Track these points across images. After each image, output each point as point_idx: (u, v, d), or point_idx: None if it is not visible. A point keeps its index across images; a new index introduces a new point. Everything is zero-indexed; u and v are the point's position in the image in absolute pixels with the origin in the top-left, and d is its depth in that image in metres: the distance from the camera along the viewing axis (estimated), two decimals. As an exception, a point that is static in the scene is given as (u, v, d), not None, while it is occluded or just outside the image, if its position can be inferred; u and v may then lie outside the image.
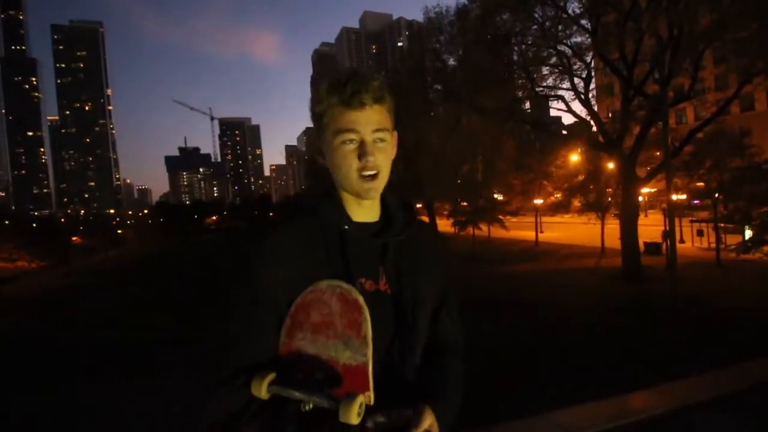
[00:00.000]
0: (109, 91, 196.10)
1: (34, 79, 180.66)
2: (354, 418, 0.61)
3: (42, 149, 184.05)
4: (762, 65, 11.76)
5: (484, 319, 9.11)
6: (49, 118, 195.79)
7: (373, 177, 0.80)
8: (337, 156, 0.79)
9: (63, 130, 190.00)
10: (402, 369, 0.81)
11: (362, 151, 0.78)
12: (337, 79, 0.79)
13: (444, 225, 27.27)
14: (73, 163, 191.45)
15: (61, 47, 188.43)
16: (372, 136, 0.79)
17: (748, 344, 5.98)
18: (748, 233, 13.61)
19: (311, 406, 0.66)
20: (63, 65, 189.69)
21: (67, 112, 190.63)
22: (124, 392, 7.07)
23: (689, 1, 11.19)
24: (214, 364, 0.76)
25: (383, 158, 0.81)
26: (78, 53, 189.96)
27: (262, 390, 0.67)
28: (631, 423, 2.53)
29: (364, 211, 0.85)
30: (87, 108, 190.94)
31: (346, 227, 0.81)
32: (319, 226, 0.81)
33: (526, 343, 8.19)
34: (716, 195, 15.30)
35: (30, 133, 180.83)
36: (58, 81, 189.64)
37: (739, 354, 3.94)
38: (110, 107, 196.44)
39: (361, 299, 0.72)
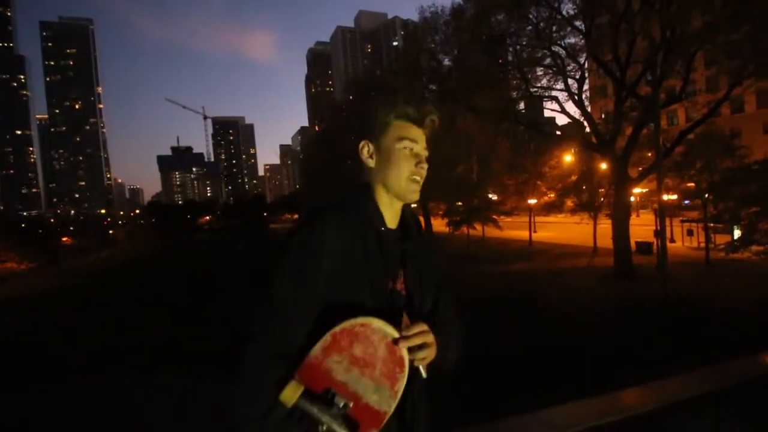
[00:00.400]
0: (99, 89, 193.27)
1: (22, 76, 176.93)
2: None
3: (31, 148, 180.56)
4: (752, 68, 11.91)
5: (479, 317, 9.16)
6: (38, 116, 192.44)
7: (419, 182, 0.95)
8: (396, 157, 0.94)
9: (52, 129, 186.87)
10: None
11: (418, 159, 0.95)
12: (411, 99, 0.96)
13: (439, 225, 27.33)
14: (62, 163, 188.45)
15: (50, 44, 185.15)
16: (424, 151, 0.97)
17: (736, 342, 6.09)
18: (737, 233, 13.81)
19: (325, 429, 0.70)
20: (52, 63, 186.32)
21: (57, 111, 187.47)
22: (117, 392, 7.01)
23: (681, 4, 11.30)
24: (253, 346, 0.78)
25: (426, 172, 0.97)
26: (68, 50, 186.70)
27: (292, 398, 0.70)
28: (622, 419, 2.55)
29: (392, 216, 0.97)
30: (77, 106, 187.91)
31: (383, 229, 0.92)
32: (358, 223, 0.89)
33: (520, 341, 8.26)
34: (706, 195, 15.49)
35: (18, 132, 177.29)
36: (47, 79, 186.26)
37: (728, 351, 4.01)
38: (101, 105, 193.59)
39: (407, 358, 0.77)
